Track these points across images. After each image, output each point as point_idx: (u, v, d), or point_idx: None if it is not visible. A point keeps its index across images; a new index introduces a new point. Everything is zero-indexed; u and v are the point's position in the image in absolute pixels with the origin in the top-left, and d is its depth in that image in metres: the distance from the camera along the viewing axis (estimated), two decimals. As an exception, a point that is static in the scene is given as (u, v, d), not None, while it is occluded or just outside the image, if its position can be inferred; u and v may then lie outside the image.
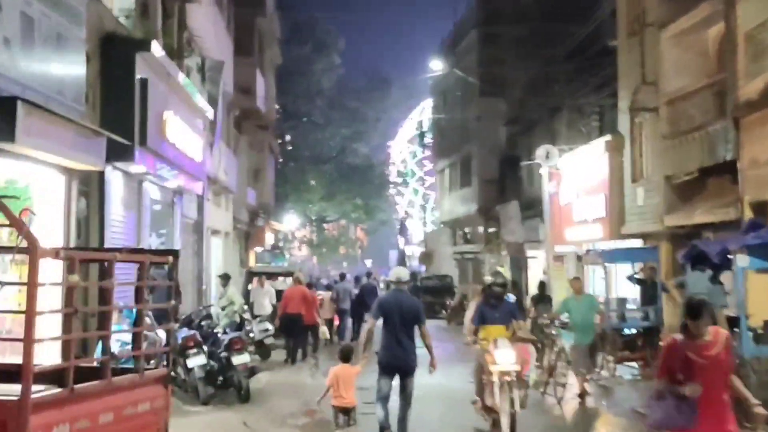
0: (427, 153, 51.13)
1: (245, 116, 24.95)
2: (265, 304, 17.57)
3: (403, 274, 8.40)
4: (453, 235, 37.97)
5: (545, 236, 21.05)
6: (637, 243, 16.62)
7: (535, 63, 25.10)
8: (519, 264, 26.78)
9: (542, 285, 17.18)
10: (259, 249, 29.88)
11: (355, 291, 20.06)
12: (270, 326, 15.52)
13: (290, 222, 39.30)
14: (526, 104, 25.61)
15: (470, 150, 32.50)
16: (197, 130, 14.44)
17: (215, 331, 11.50)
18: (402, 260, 55.08)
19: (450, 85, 35.82)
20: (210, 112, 15.78)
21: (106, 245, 10.42)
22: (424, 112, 51.79)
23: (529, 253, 25.02)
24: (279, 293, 18.44)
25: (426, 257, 44.61)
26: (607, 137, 17.47)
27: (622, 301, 14.25)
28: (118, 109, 10.21)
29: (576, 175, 19.51)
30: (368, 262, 74.61)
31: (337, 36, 41.84)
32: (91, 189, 10.18)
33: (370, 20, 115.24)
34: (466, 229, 35.38)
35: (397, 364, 7.95)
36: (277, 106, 33.00)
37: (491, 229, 29.80)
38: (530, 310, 16.63)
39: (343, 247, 56.29)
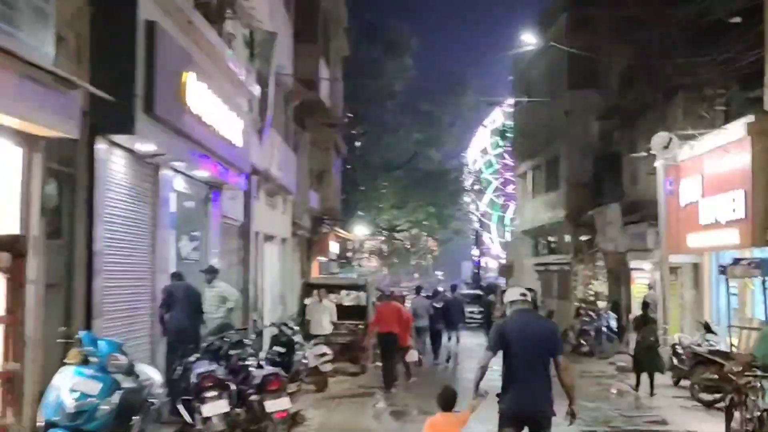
0: (506, 160, 47.85)
1: (308, 110, 22.36)
2: (324, 322, 15.06)
3: (520, 291, 6.31)
4: (535, 244, 34.56)
5: (659, 244, 17.46)
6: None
7: (635, 49, 21.67)
8: (618, 277, 23.17)
9: (645, 305, 15.01)
10: (323, 259, 27.22)
11: (434, 306, 18.16)
12: (327, 350, 13.10)
13: (360, 230, 36.75)
14: (628, 92, 22.06)
15: (557, 149, 29.16)
16: (237, 109, 11.65)
17: (247, 362, 8.67)
18: (477, 272, 52.58)
19: (534, 78, 32.56)
20: (255, 88, 13.01)
21: (98, 246, 7.73)
22: (503, 110, 48.57)
23: (632, 264, 21.38)
24: (347, 309, 17.02)
25: (506, 269, 41.31)
26: (749, 118, 13.87)
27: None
28: (112, 59, 7.45)
29: (702, 169, 15.92)
30: (439, 274, 72.07)
31: (410, 36, 39.15)
32: (76, 170, 7.47)
33: (446, 19, 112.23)
34: (551, 238, 31.88)
35: (527, 411, 5.89)
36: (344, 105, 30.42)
37: (583, 237, 26.28)
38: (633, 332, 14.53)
39: (414, 258, 53.54)
